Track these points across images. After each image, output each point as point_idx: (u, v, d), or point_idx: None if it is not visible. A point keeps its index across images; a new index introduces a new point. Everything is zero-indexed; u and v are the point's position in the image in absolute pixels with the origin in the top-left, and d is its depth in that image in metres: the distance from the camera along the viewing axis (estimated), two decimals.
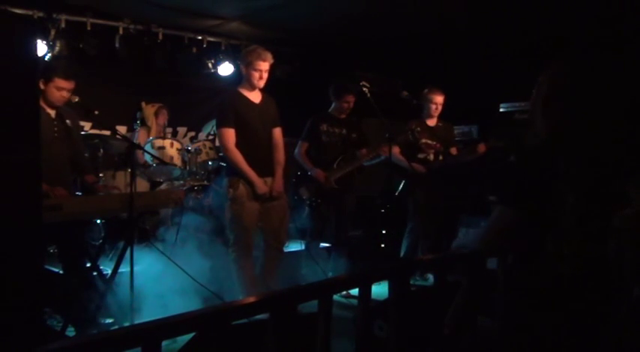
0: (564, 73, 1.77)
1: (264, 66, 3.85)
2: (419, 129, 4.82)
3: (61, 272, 3.63)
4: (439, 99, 5.02)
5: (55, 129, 3.55)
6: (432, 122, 5.12)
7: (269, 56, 3.87)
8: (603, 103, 1.74)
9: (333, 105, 4.97)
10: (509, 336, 1.90)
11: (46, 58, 5.06)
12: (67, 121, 3.65)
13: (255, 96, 3.97)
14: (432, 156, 5.07)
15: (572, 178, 1.72)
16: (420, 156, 5.05)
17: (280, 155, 4.03)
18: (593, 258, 1.79)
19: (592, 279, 1.79)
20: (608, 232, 1.88)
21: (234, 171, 3.87)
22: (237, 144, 3.83)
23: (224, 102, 3.93)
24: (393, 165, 4.75)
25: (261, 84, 3.90)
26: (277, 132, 4.04)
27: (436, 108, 5.04)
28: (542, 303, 1.82)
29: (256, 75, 3.84)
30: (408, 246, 5.14)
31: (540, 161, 1.79)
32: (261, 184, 3.84)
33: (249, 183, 3.82)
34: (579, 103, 1.74)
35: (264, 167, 3.92)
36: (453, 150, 5.16)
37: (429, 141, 5.02)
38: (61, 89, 3.47)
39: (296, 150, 4.91)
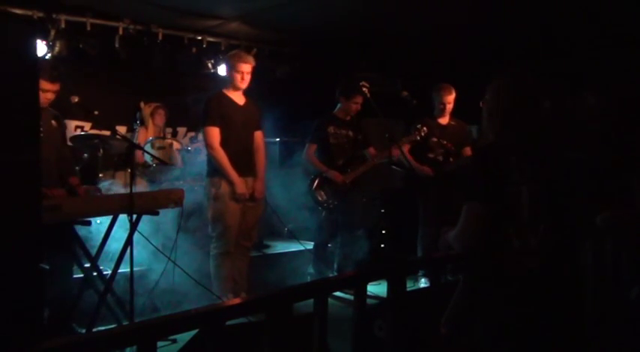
0: (505, 88, 1.99)
1: (246, 68, 3.99)
2: (425, 128, 4.63)
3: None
4: (448, 98, 4.78)
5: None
6: (444, 120, 4.87)
7: (250, 59, 4.04)
8: (539, 111, 1.96)
9: (339, 105, 4.87)
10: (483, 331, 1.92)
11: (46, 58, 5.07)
12: (52, 122, 3.61)
13: (240, 99, 4.10)
14: (441, 157, 4.84)
15: (524, 172, 1.84)
16: (430, 155, 4.83)
17: (262, 157, 4.17)
18: (559, 253, 1.84)
19: (559, 273, 1.85)
20: (587, 231, 1.95)
21: (216, 170, 3.97)
22: (220, 144, 3.94)
23: (209, 102, 4.03)
24: (405, 166, 4.68)
25: (244, 85, 4.04)
26: (259, 135, 4.20)
27: (445, 107, 4.80)
28: (510, 297, 1.86)
29: (238, 76, 3.98)
30: (423, 251, 4.87)
31: (494, 154, 1.92)
32: (241, 184, 3.95)
33: (230, 182, 3.92)
34: (521, 112, 1.94)
35: (245, 167, 4.03)
36: (467, 151, 4.91)
37: (440, 141, 4.78)
38: (45, 91, 3.38)
39: (304, 153, 4.87)
